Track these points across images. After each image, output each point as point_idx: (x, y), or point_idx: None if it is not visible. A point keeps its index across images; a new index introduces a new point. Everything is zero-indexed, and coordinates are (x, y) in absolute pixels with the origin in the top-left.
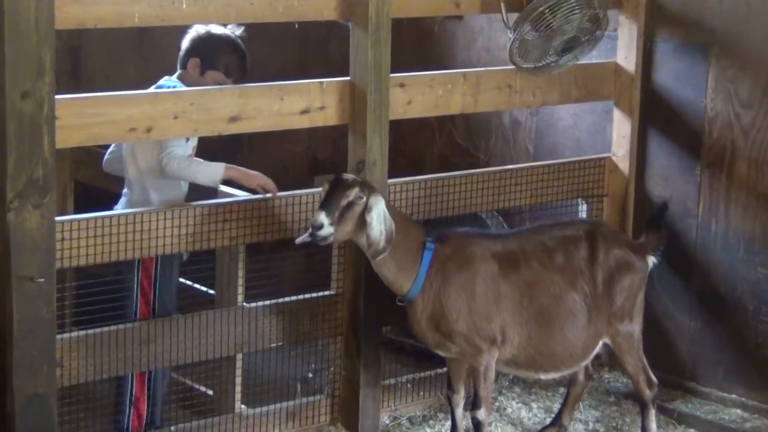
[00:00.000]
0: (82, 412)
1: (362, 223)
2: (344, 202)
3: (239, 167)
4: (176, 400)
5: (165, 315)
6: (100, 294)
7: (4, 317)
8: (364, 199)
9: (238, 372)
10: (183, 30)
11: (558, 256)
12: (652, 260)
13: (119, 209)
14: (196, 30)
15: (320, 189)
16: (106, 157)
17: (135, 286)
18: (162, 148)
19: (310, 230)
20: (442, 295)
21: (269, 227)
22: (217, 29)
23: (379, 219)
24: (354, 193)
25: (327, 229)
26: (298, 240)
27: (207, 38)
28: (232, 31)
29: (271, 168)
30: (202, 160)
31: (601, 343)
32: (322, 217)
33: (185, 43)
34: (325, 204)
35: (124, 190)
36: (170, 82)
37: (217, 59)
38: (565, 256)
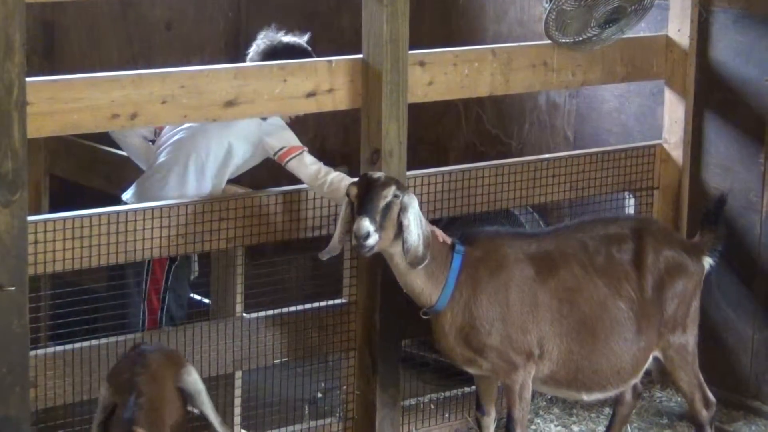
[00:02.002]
0: None
1: (399, 227)
2: (383, 203)
3: None
4: None
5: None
6: (81, 304)
7: None
8: (401, 197)
9: (238, 392)
10: (171, 4)
11: (601, 257)
12: (708, 262)
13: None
14: (265, 40)
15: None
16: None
17: (143, 297)
18: (282, 140)
19: (355, 241)
20: (473, 304)
21: (272, 227)
22: (288, 39)
23: (416, 220)
24: (391, 191)
25: (374, 237)
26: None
27: (280, 47)
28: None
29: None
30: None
31: (651, 357)
32: (367, 224)
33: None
34: (366, 209)
35: (158, 178)
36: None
37: None
38: (609, 257)
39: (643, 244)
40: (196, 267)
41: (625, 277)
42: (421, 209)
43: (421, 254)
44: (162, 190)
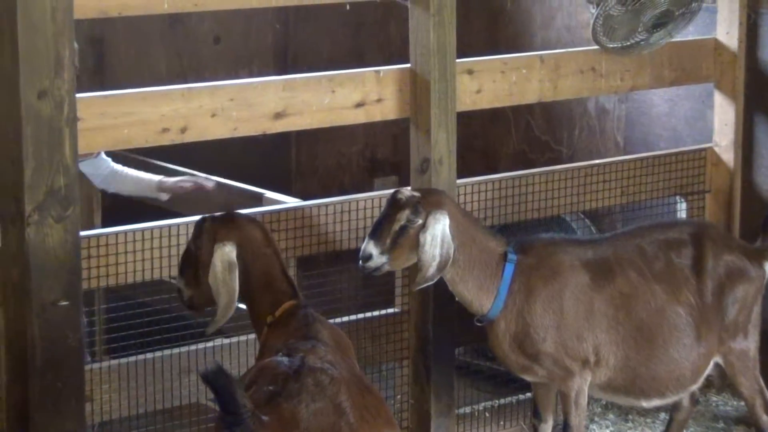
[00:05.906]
0: None
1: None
2: (396, 227)
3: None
4: None
5: None
6: (135, 318)
7: (26, 345)
8: (420, 221)
9: None
10: (219, 18)
11: (659, 263)
12: None
13: None
14: None
15: (379, 192)
16: None
17: None
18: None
19: (360, 261)
20: (527, 311)
21: (323, 237)
22: None
23: (433, 242)
24: (405, 216)
25: (377, 260)
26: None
27: None
28: None
29: (323, 170)
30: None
31: (712, 363)
32: (371, 247)
33: None
34: (375, 230)
35: None
36: None
37: None
38: (668, 263)
39: (703, 250)
40: None
41: (684, 282)
42: (472, 219)
43: (429, 275)
44: None
